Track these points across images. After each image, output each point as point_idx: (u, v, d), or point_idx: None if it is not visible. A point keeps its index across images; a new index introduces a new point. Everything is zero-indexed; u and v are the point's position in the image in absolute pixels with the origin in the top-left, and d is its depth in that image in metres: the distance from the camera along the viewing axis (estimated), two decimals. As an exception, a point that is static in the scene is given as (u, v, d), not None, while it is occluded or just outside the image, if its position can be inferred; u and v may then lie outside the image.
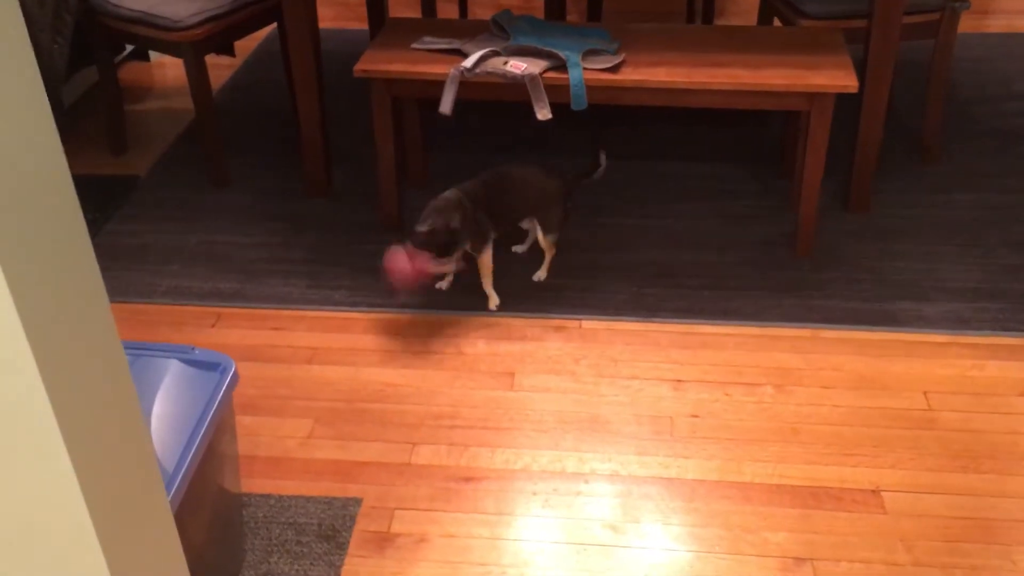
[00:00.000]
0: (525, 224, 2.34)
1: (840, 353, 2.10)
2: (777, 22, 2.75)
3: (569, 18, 3.67)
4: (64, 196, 0.84)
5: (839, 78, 2.15)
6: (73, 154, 2.89)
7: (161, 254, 2.45)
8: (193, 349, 1.49)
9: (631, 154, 2.84)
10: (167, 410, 1.41)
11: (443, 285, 2.31)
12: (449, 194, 2.13)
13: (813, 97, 2.17)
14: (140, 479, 1.01)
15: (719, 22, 3.68)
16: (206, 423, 1.39)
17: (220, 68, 3.42)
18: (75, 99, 2.96)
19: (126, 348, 1.48)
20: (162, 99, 3.26)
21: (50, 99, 2.76)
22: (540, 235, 2.26)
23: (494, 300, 2.25)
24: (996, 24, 3.65)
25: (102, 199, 2.65)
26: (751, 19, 3.72)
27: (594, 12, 3.42)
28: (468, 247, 2.16)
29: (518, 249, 2.42)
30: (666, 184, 2.70)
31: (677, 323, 2.19)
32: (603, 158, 2.36)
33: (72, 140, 2.97)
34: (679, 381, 2.03)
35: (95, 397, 0.89)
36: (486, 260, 2.22)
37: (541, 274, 2.32)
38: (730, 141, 2.90)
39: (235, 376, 1.46)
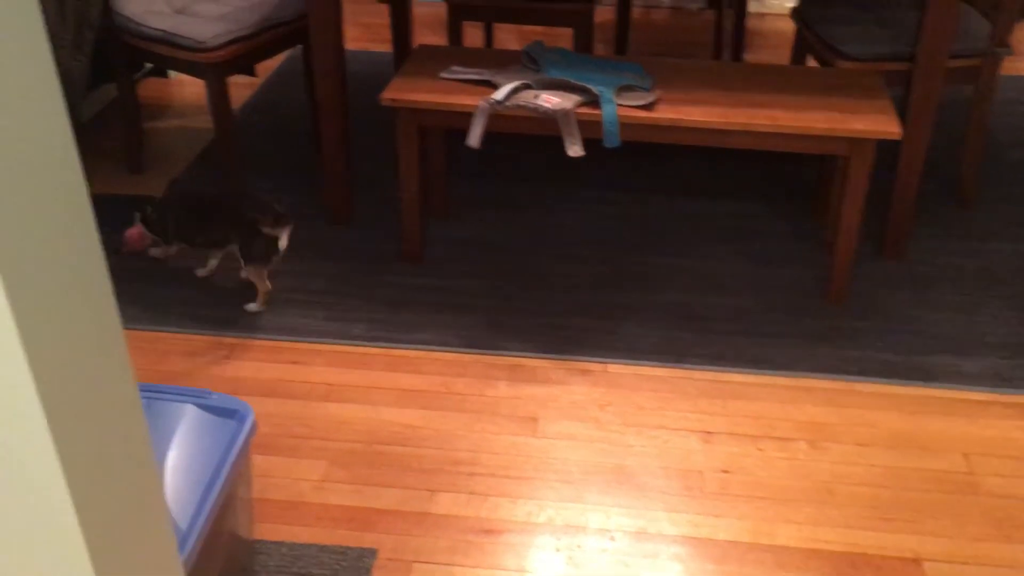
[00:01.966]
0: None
1: (875, 408, 2.02)
2: (812, 61, 2.68)
3: (596, 51, 3.62)
4: (81, 217, 0.77)
5: (881, 124, 2.08)
6: (90, 172, 2.83)
7: (175, 278, 2.38)
8: (210, 394, 1.42)
9: (657, 190, 2.77)
10: (182, 459, 1.34)
11: (157, 254, 2.43)
12: (166, 194, 2.40)
13: (853, 143, 2.10)
14: (152, 541, 0.93)
15: (748, 57, 3.63)
16: (223, 475, 1.32)
17: (240, 87, 3.37)
18: (93, 115, 2.91)
19: (140, 391, 1.42)
20: (181, 117, 3.20)
21: (68, 114, 2.71)
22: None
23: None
24: (1030, 66, 3.59)
25: (117, 219, 2.58)
26: (780, 54, 3.66)
27: (621, 45, 3.37)
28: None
29: (199, 271, 2.43)
30: (693, 222, 2.63)
31: (706, 370, 2.12)
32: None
33: (89, 157, 2.92)
34: (708, 433, 1.96)
35: (106, 447, 0.82)
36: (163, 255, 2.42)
37: (252, 305, 2.29)
38: (760, 178, 2.83)
39: (253, 425, 1.39)
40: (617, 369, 2.13)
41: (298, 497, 1.80)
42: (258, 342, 2.20)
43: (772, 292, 2.36)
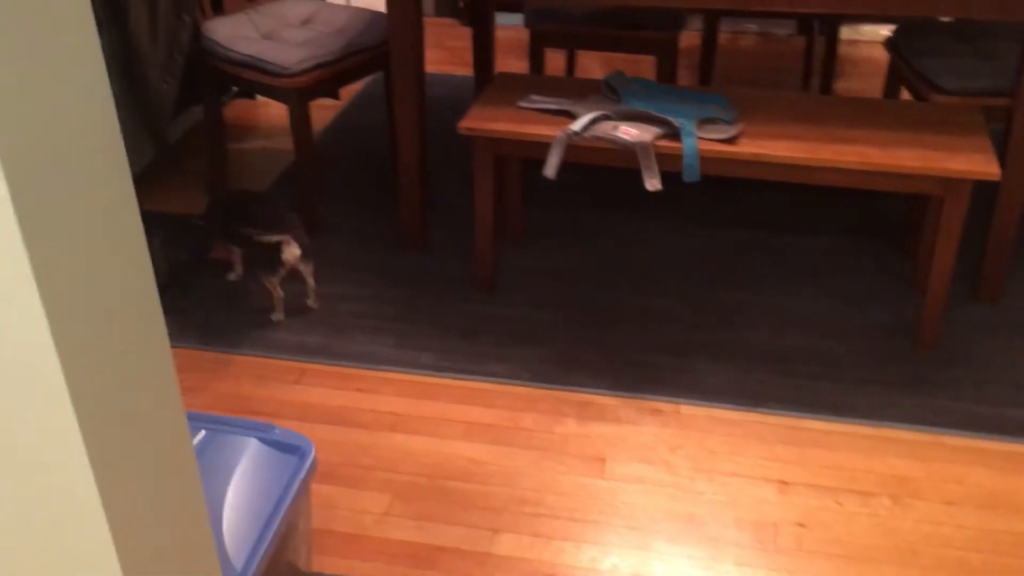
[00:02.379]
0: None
1: (965, 463, 1.91)
2: (906, 94, 2.58)
3: (680, 79, 3.56)
4: (129, 231, 0.75)
5: (979, 164, 1.98)
6: (175, 192, 2.89)
7: (249, 301, 2.41)
8: (273, 428, 1.41)
9: (738, 222, 2.70)
10: (243, 493, 1.33)
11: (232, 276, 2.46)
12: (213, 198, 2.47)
13: (948, 183, 2.00)
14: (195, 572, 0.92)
15: (839, 86, 3.52)
16: (282, 511, 1.31)
17: (324, 108, 3.41)
18: (180, 136, 2.97)
19: (206, 422, 1.42)
20: (265, 138, 3.25)
21: (156, 136, 2.78)
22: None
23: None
24: None
25: (198, 239, 2.63)
26: (873, 84, 3.54)
27: (706, 72, 3.31)
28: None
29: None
30: (775, 257, 2.55)
31: (784, 415, 2.04)
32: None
33: (175, 178, 2.98)
34: (784, 483, 1.88)
35: (148, 474, 0.80)
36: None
37: (274, 315, 2.33)
38: (848, 212, 2.73)
39: (314, 462, 1.38)
40: (690, 410, 2.06)
41: (360, 530, 1.79)
42: (327, 368, 2.20)
43: (857, 334, 2.26)
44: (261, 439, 1.39)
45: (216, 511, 1.28)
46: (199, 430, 1.38)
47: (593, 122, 2.15)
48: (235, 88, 3.29)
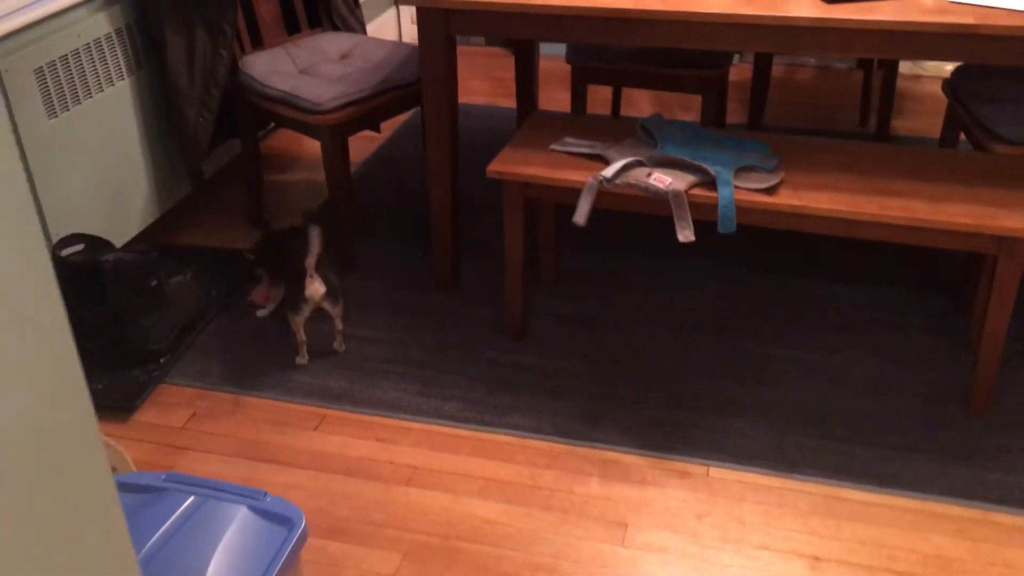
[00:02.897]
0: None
1: (1016, 545, 1.77)
2: (965, 139, 2.44)
3: (730, 115, 3.45)
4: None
5: (1037, 221, 1.85)
6: (211, 225, 2.89)
7: (277, 341, 2.37)
8: (265, 496, 1.36)
9: (780, 269, 2.58)
10: (228, 563, 1.28)
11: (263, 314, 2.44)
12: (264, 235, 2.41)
13: (1002, 241, 1.87)
14: None
15: (897, 123, 3.38)
16: (265, 588, 1.25)
17: (366, 140, 3.39)
18: (216, 170, 2.97)
19: (198, 486, 1.37)
20: (306, 170, 3.24)
21: (191, 171, 2.77)
22: None
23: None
24: None
25: (230, 275, 2.61)
26: (934, 122, 3.39)
27: (757, 108, 3.20)
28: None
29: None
30: (819, 309, 2.42)
31: (821, 483, 1.92)
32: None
33: (212, 211, 2.98)
34: (817, 559, 1.76)
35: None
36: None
37: (298, 358, 2.29)
38: (898, 262, 2.60)
39: (303, 534, 1.32)
40: (720, 474, 1.96)
41: (366, 592, 1.72)
42: (349, 415, 2.14)
43: (904, 396, 2.13)
44: (252, 507, 1.34)
45: (200, 583, 1.23)
46: (189, 495, 1.33)
47: (625, 168, 2.07)
48: (272, 124, 3.28)
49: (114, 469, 1.97)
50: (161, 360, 2.29)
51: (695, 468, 1.97)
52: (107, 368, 2.26)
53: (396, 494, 1.93)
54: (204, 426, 2.12)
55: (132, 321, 2.27)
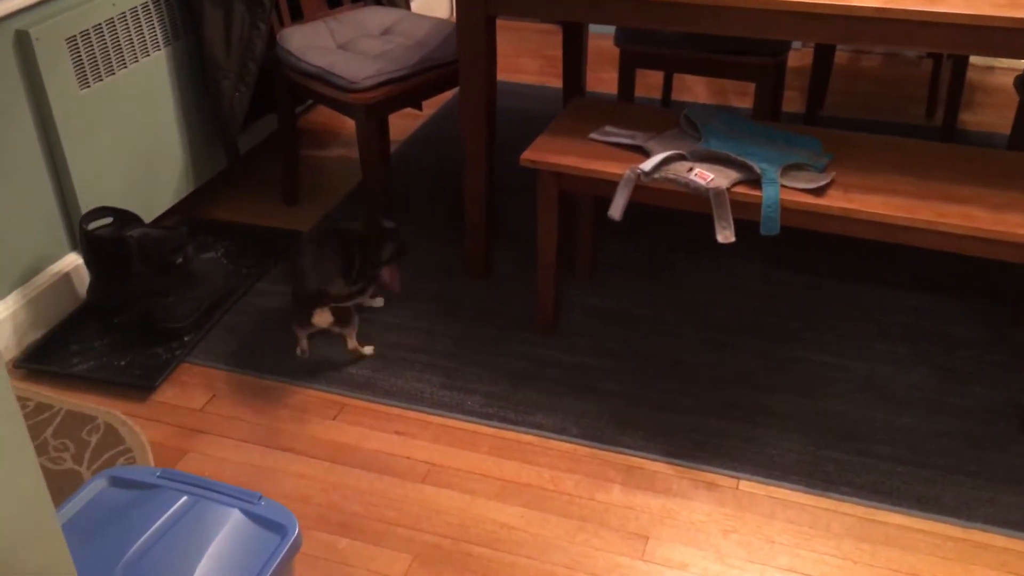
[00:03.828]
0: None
1: (1066, 584, 1.65)
2: (1036, 138, 2.29)
3: (788, 102, 3.29)
4: None
5: (1109, 236, 1.70)
6: (246, 202, 2.85)
7: (302, 324, 2.32)
8: (260, 499, 1.31)
9: (828, 271, 2.45)
10: (216, 568, 1.23)
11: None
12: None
13: (1070, 256, 1.74)
14: None
15: (966, 116, 3.20)
16: (253, 598, 1.20)
17: (408, 117, 3.31)
18: (253, 146, 2.93)
19: (192, 485, 1.33)
20: (345, 146, 3.18)
21: (226, 146, 2.72)
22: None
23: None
24: None
25: (262, 254, 2.57)
26: (1006, 116, 3.21)
27: (816, 97, 3.05)
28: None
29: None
30: (867, 315, 2.30)
31: (858, 503, 1.82)
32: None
33: (247, 187, 2.94)
34: (847, 587, 1.66)
35: None
36: None
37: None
38: (954, 269, 2.45)
39: (296, 542, 1.27)
40: (750, 487, 1.86)
41: (372, 594, 1.67)
42: (369, 405, 2.09)
43: (954, 414, 2.01)
44: (244, 511, 1.28)
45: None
46: (182, 495, 1.28)
47: (665, 161, 1.96)
48: (309, 100, 3.22)
49: (129, 451, 1.95)
50: (185, 339, 2.26)
51: (724, 480, 1.88)
52: (131, 344, 2.24)
53: (410, 491, 1.87)
54: (222, 409, 2.08)
55: (156, 298, 2.24)
